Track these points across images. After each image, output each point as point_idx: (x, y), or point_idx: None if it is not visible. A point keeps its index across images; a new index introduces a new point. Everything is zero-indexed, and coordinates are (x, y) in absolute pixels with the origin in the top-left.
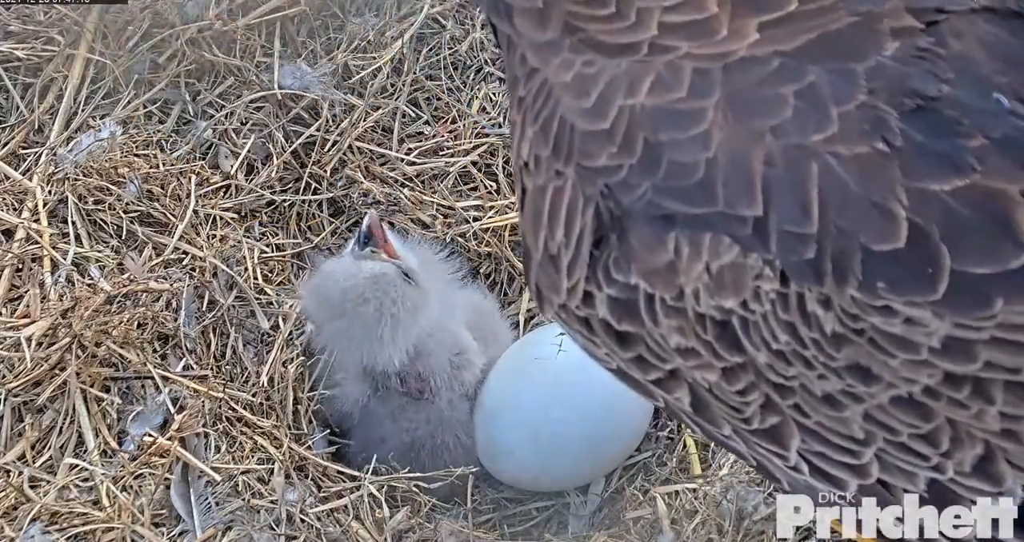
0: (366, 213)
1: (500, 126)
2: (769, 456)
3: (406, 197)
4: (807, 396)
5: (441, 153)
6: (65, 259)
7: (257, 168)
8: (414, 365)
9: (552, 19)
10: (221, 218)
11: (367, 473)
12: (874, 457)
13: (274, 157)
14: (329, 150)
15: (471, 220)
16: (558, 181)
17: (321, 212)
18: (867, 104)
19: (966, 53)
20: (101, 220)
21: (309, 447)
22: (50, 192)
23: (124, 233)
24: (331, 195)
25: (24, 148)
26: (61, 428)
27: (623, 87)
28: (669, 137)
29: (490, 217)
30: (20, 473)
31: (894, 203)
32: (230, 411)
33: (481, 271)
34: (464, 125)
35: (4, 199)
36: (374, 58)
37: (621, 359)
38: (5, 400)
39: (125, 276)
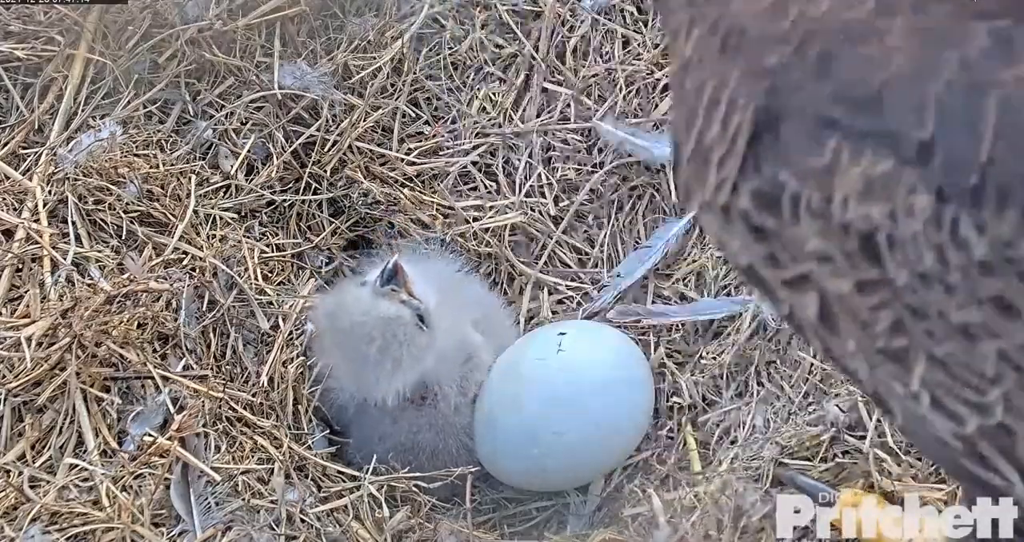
0: (395, 250)
1: (500, 126)
2: (889, 382)
3: (406, 197)
4: (942, 323)
5: (441, 153)
6: (65, 259)
7: (257, 168)
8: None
9: None
10: (221, 218)
11: (367, 473)
12: (1001, 398)
13: (274, 157)
14: (329, 150)
15: (471, 220)
16: (721, 77)
17: (321, 212)
18: None
19: None
20: (101, 220)
21: (309, 447)
22: (50, 192)
23: (124, 233)
24: (331, 195)
25: (24, 148)
26: (61, 428)
27: None
28: (846, 51)
29: (490, 217)
30: (20, 473)
31: None
32: (230, 411)
33: (481, 271)
34: (464, 125)
35: (4, 199)
36: (374, 58)
37: (754, 255)
38: (5, 400)
39: (125, 276)
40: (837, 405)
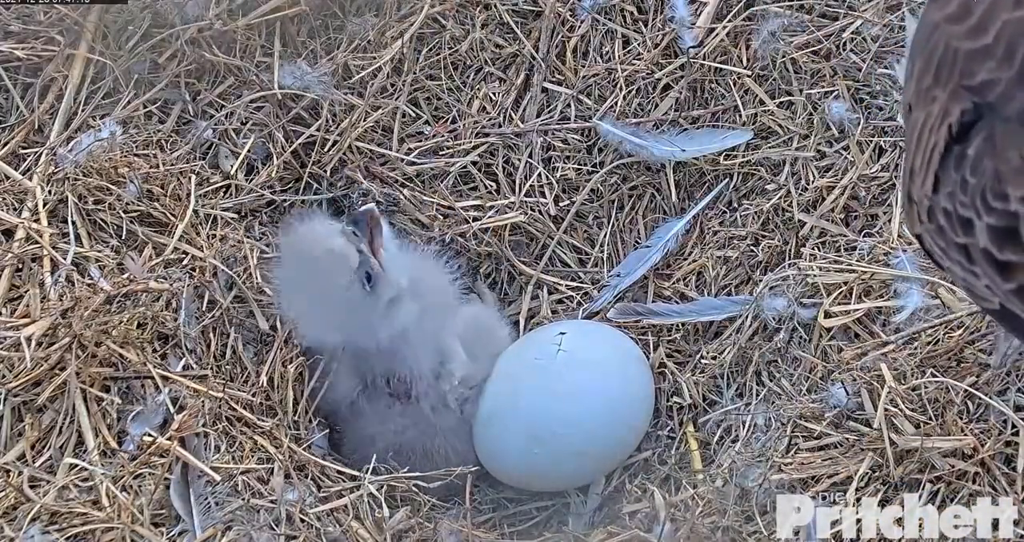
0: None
1: (500, 126)
2: None
3: (406, 197)
4: None
5: (441, 153)
6: (65, 259)
7: (257, 168)
8: (396, 367)
9: None
10: (221, 218)
11: (367, 473)
12: None
13: (274, 157)
14: (329, 150)
15: (471, 220)
16: (930, 107)
17: (321, 212)
18: None
19: None
20: (101, 220)
21: (309, 447)
22: (50, 192)
23: (124, 233)
24: (331, 195)
25: (24, 148)
26: (61, 428)
27: (1009, 2)
28: None
29: (490, 217)
30: (20, 473)
31: None
32: (230, 411)
33: (481, 271)
34: (464, 125)
35: (4, 199)
36: (374, 58)
37: (1002, 291)
38: (5, 400)
39: (125, 276)
40: (843, 386)
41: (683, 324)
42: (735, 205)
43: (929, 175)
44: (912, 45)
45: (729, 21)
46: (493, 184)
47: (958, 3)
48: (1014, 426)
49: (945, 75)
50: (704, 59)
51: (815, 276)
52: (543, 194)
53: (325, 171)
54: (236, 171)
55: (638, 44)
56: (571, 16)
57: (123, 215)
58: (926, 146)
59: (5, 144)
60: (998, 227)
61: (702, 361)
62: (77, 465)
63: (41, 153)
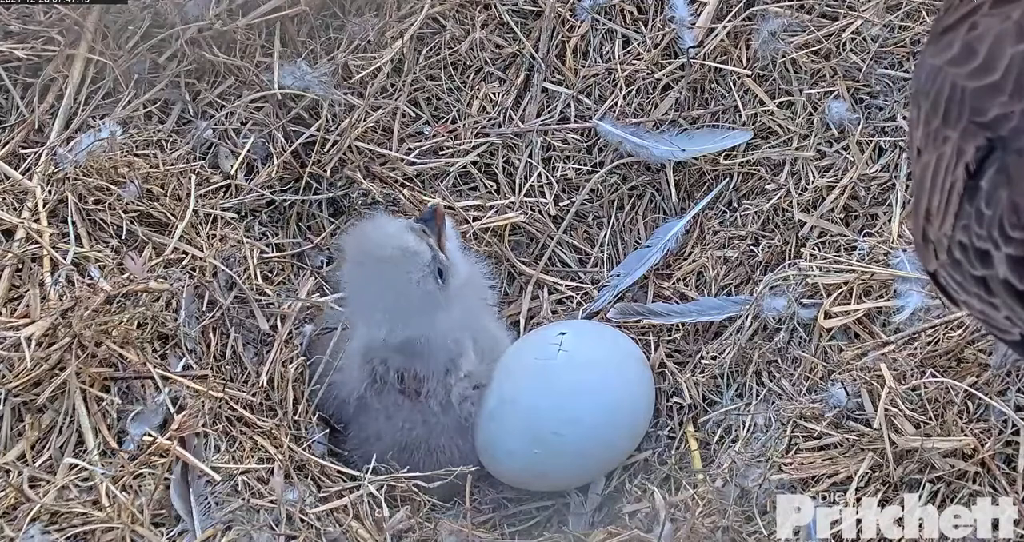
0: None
1: (500, 126)
2: None
3: (406, 197)
4: None
5: (441, 153)
6: (65, 259)
7: (257, 168)
8: (413, 364)
9: None
10: (221, 218)
11: (367, 473)
12: None
13: (274, 157)
14: (329, 150)
15: (471, 220)
16: (942, 148)
17: (321, 212)
18: None
19: None
20: (101, 220)
21: (309, 447)
22: (50, 192)
23: (124, 233)
24: (331, 195)
25: (24, 148)
26: (61, 428)
27: (1012, 36)
28: None
29: (490, 217)
30: (20, 473)
31: None
32: (230, 411)
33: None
34: (464, 125)
35: (4, 199)
36: (374, 58)
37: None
38: (5, 400)
39: (125, 276)
40: (843, 386)
41: (683, 324)
42: (735, 205)
43: (948, 215)
44: (914, 92)
45: (729, 21)
46: (493, 184)
47: (960, 46)
48: (1014, 426)
49: (955, 115)
50: (704, 59)
51: (815, 276)
52: (543, 194)
53: (325, 171)
54: (236, 171)
55: (638, 44)
56: (571, 16)
57: (123, 215)
58: (943, 187)
59: (5, 144)
60: (1018, 257)
61: (702, 361)
62: (77, 465)
63: (41, 153)
